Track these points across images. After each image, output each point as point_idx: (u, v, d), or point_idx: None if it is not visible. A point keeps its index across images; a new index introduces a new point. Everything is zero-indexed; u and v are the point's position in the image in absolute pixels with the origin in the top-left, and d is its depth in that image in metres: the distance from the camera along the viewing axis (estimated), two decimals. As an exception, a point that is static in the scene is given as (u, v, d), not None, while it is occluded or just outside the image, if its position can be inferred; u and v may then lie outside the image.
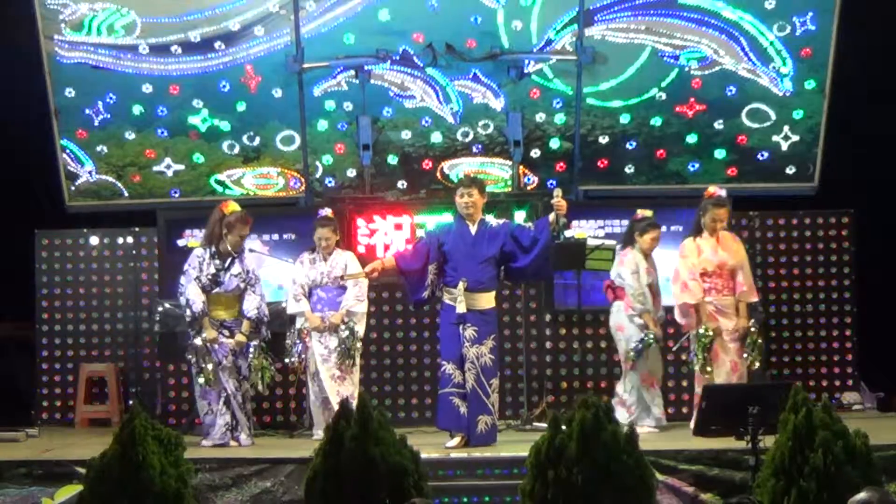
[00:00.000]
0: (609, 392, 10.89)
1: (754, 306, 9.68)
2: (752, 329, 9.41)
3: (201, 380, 9.18)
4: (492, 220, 9.18)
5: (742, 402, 7.12)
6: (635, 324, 9.71)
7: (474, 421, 8.85)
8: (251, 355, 9.30)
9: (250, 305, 9.33)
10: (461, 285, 8.91)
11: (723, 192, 9.68)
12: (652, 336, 9.65)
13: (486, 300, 9.02)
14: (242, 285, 9.35)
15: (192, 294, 9.26)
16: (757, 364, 9.48)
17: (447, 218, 9.73)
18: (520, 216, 10.94)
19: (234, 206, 9.49)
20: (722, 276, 9.46)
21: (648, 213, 9.93)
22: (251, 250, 10.62)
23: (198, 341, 9.20)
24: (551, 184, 10.78)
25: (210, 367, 9.15)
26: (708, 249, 9.48)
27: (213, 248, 9.34)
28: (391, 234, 10.94)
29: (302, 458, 7.64)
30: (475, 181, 9.26)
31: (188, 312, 9.29)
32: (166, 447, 6.41)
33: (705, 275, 9.45)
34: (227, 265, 9.33)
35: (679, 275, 9.51)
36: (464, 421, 8.88)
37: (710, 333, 9.30)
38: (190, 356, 9.30)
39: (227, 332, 9.30)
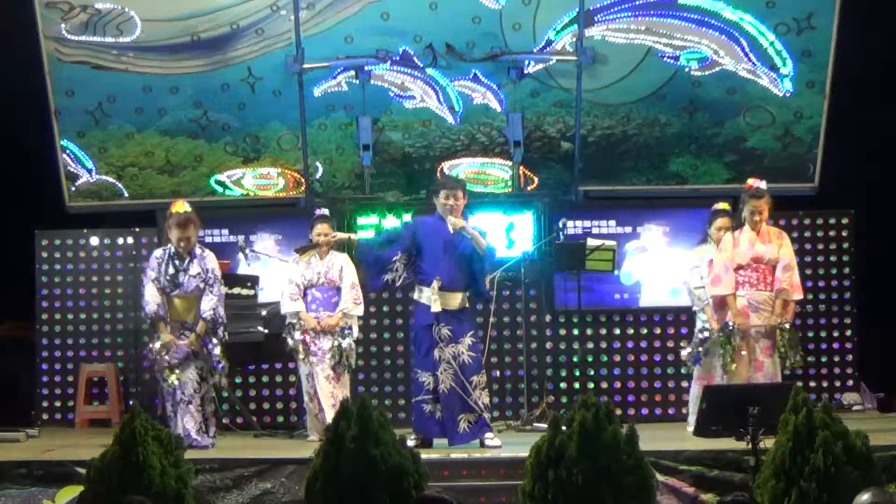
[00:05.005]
0: (608, 392, 10.91)
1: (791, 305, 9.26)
2: (782, 327, 9.07)
3: (166, 384, 9.06)
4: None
5: (742, 402, 7.12)
6: None
7: (455, 421, 8.69)
8: (216, 355, 9.11)
9: (207, 306, 9.09)
10: (435, 284, 8.76)
11: (761, 184, 9.32)
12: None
13: (460, 299, 8.86)
14: (202, 285, 9.13)
15: (147, 295, 9.13)
16: (790, 362, 9.12)
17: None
18: (521, 217, 10.94)
19: (178, 207, 9.24)
20: (757, 271, 9.17)
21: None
22: (252, 251, 10.61)
23: (157, 344, 9.06)
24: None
25: (170, 369, 9.00)
26: (745, 243, 9.20)
27: (172, 249, 9.17)
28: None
29: (302, 459, 7.63)
30: (461, 183, 9.18)
31: (143, 314, 9.25)
32: (166, 447, 6.39)
33: (739, 268, 9.19)
34: (185, 266, 9.12)
35: (713, 268, 9.34)
36: (437, 425, 8.76)
37: (729, 330, 9.10)
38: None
39: (187, 334, 9.12)
